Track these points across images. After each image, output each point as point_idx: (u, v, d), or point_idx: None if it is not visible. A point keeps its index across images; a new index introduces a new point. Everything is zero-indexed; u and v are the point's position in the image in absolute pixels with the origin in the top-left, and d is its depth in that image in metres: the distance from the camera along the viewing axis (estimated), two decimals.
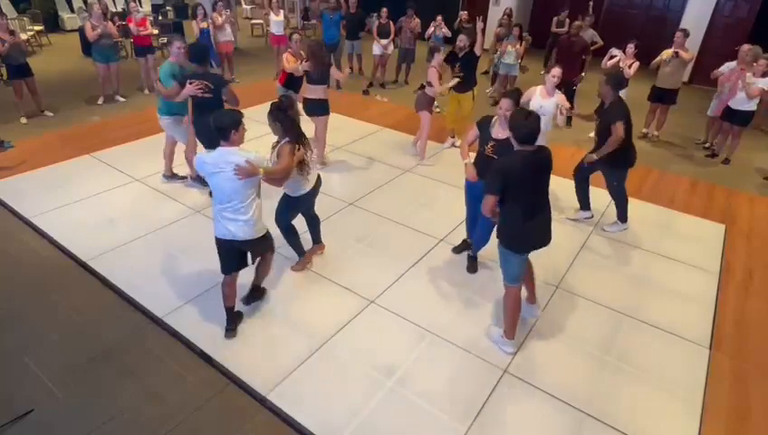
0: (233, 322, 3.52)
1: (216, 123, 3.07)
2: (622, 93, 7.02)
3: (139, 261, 4.26)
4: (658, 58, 7.07)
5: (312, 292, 4.00)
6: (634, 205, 5.49)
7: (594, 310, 3.95)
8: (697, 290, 4.25)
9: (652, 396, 3.23)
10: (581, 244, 4.78)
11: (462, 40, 6.13)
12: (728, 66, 6.83)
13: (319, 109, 5.63)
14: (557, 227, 4.93)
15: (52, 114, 7.57)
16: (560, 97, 4.98)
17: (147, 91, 8.81)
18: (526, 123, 2.94)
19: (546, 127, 4.88)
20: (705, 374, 3.41)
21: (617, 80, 4.57)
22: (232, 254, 3.37)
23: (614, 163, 4.60)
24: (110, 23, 8.02)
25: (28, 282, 4.08)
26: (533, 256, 3.40)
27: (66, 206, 5.05)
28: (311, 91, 5.52)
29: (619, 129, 4.35)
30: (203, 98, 4.54)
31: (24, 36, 10.87)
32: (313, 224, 4.29)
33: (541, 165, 3.08)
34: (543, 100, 4.98)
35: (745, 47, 6.63)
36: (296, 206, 3.92)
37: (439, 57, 6.05)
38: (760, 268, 4.59)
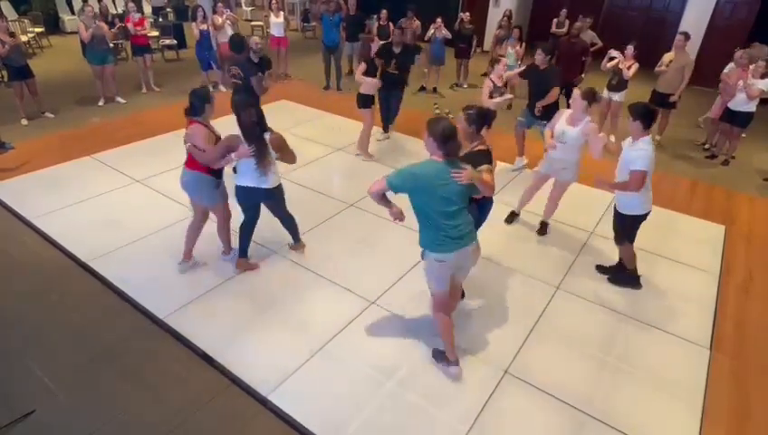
0: None
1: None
2: (621, 96, 7.12)
3: (140, 262, 4.27)
4: (661, 66, 7.07)
5: (312, 293, 4.01)
6: None
7: (594, 311, 3.96)
8: (698, 291, 4.26)
9: (653, 397, 3.23)
10: (581, 245, 4.79)
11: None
12: (731, 67, 6.87)
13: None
14: (556, 230, 4.97)
15: (53, 115, 7.58)
16: (589, 127, 4.24)
17: (145, 89, 8.85)
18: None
19: (571, 155, 4.41)
20: (706, 375, 3.42)
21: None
22: None
23: None
24: (103, 23, 8.03)
25: (29, 283, 4.08)
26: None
27: (67, 207, 5.05)
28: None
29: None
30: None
31: (24, 38, 10.88)
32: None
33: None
34: (567, 126, 4.37)
35: (738, 53, 6.69)
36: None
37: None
38: (760, 269, 4.59)
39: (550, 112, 5.30)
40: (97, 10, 7.93)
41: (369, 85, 6.01)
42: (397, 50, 6.28)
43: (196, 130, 3.67)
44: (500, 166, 5.92)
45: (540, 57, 5.73)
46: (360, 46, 9.50)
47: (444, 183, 2.83)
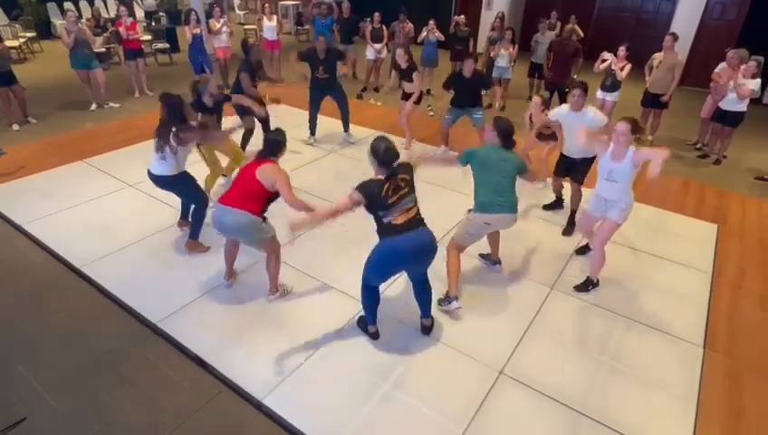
0: None
1: None
2: (614, 96, 7.16)
3: (133, 267, 4.24)
4: (650, 66, 7.13)
5: (307, 295, 4.00)
6: None
7: (589, 310, 3.97)
8: (691, 289, 4.27)
9: (647, 395, 3.24)
10: (575, 245, 4.80)
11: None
12: (722, 67, 6.92)
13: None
14: (550, 229, 4.98)
15: (35, 121, 7.51)
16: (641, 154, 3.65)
17: (138, 94, 8.82)
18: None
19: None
20: (700, 373, 3.43)
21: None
22: None
23: None
24: (85, 27, 7.99)
25: (21, 289, 4.05)
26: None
27: (59, 212, 5.02)
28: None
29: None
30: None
31: (16, 43, 10.84)
32: None
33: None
34: (613, 163, 3.80)
35: (730, 52, 6.75)
36: None
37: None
38: (752, 267, 4.62)
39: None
40: (71, 14, 7.77)
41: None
42: (322, 56, 6.44)
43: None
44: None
45: (468, 66, 5.98)
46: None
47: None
